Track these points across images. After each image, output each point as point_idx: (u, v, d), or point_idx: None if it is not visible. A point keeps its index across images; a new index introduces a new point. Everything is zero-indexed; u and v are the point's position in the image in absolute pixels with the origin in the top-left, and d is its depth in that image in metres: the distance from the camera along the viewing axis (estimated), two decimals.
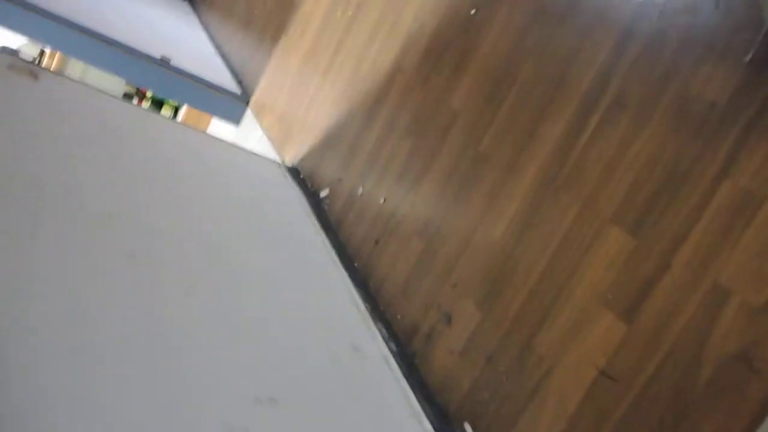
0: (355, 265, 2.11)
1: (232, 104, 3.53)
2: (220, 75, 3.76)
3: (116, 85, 5.15)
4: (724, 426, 1.05)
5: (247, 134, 3.46)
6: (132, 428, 1.09)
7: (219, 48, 4.27)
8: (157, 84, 3.49)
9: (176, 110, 5.54)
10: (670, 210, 1.23)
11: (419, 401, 1.57)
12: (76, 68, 5.18)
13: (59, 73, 3.94)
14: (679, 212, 1.21)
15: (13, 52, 2.35)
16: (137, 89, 5.67)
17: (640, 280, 1.24)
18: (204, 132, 2.85)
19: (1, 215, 1.40)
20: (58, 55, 5.21)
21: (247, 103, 3.53)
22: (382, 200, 2.10)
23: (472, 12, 1.97)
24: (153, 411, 1.14)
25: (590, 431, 1.24)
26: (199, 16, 4.99)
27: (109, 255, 1.50)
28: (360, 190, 2.24)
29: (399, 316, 1.84)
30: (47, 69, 3.29)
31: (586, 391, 1.27)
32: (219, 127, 4.00)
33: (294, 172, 2.70)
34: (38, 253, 1.36)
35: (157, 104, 5.65)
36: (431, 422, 1.52)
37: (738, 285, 1.08)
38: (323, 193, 2.46)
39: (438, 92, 2.01)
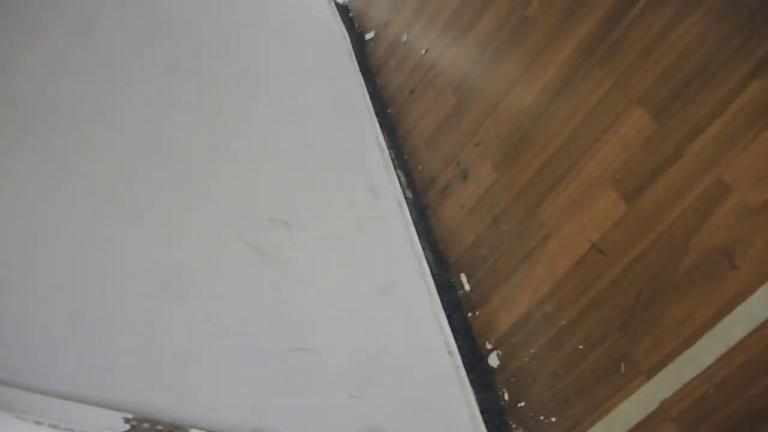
0: (388, 111, 2.15)
1: None
2: None
3: None
4: (691, 312, 1.11)
5: None
6: (156, 235, 1.20)
7: None
8: None
9: None
10: (696, 100, 1.22)
11: (423, 247, 1.67)
12: None
13: None
14: (704, 104, 1.20)
15: None
16: None
17: (650, 164, 1.26)
18: None
19: (59, 20, 1.45)
20: None
21: None
22: (424, 51, 2.09)
23: None
24: (175, 215, 1.25)
25: (573, 297, 1.32)
26: None
27: (151, 65, 1.56)
28: (404, 37, 2.22)
29: (420, 167, 1.90)
30: None
31: (576, 261, 1.34)
32: None
33: (343, 9, 2.67)
34: (85, 55, 1.43)
35: None
36: (430, 267, 1.63)
37: (740, 183, 1.10)
38: (369, 36, 2.45)
39: None
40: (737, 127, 1.14)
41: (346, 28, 2.51)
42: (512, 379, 1.39)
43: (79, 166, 1.20)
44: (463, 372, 1.42)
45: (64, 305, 1.01)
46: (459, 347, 1.47)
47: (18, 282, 1.00)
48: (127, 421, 0.96)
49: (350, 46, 2.41)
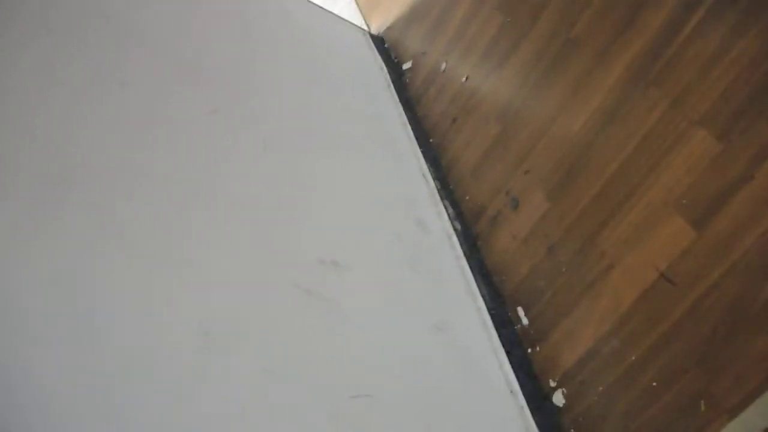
0: (431, 141, 2.11)
1: None
2: None
3: None
4: None
5: None
6: (206, 284, 1.18)
7: None
8: None
9: None
10: (764, 118, 1.15)
11: (476, 281, 1.61)
12: None
13: None
14: None
15: None
16: None
17: (719, 187, 1.20)
18: None
19: (89, 64, 1.45)
20: None
21: None
22: (464, 78, 2.05)
23: None
24: (223, 259, 1.22)
25: (642, 330, 1.25)
26: None
27: (194, 109, 1.55)
28: (443, 66, 2.19)
29: (467, 197, 1.85)
30: None
31: (642, 291, 1.27)
32: None
33: (379, 41, 2.65)
34: (129, 101, 1.42)
35: None
36: (485, 301, 1.57)
37: None
38: (406, 66, 2.42)
39: None
40: None
41: (383, 59, 2.49)
42: (581, 419, 1.31)
43: (125, 224, 1.18)
44: (527, 412, 1.36)
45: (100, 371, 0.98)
46: (521, 386, 1.40)
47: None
48: None
49: (388, 76, 2.39)
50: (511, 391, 1.40)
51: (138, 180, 1.26)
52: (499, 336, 1.50)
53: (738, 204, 1.15)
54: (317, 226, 1.48)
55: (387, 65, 2.46)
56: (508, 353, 1.47)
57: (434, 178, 1.92)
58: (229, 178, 1.42)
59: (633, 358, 1.25)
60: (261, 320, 1.17)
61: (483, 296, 1.58)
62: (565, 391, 1.37)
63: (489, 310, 1.55)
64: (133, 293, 1.07)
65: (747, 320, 1.09)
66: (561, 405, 1.36)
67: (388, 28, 2.66)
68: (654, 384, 1.20)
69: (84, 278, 1.04)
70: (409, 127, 2.13)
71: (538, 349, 1.46)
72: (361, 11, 2.99)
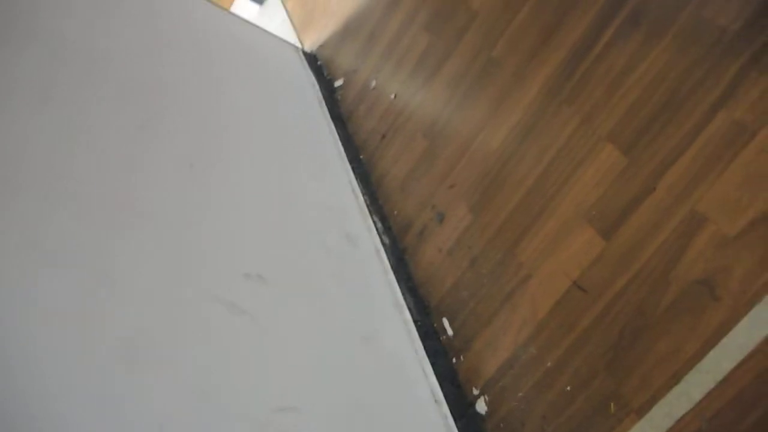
0: (360, 157, 2.14)
1: None
2: None
3: None
4: (678, 345, 1.10)
5: (271, 15, 3.41)
6: (129, 297, 1.17)
7: None
8: None
9: None
10: (665, 133, 1.23)
11: (403, 293, 1.65)
12: None
13: None
14: (673, 136, 1.21)
15: None
16: None
17: (624, 199, 1.26)
18: (223, 9, 2.81)
19: (12, 77, 1.43)
20: None
21: None
22: (393, 96, 2.10)
23: None
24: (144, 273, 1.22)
25: (556, 337, 1.30)
26: None
27: (122, 124, 1.54)
28: (373, 83, 2.23)
29: (395, 212, 1.88)
30: None
31: (557, 300, 1.32)
32: (244, 6, 3.93)
33: (312, 58, 2.68)
34: (52, 116, 1.40)
35: None
36: (412, 313, 1.60)
37: (714, 214, 1.11)
38: (338, 83, 2.46)
39: None
40: (707, 158, 1.15)
41: (316, 77, 2.52)
42: (502, 425, 1.35)
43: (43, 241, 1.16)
44: (451, 421, 1.39)
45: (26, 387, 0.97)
46: (445, 395, 1.43)
47: None
48: None
49: (320, 93, 2.41)
50: (436, 401, 1.43)
51: (61, 198, 1.24)
52: (425, 347, 1.53)
53: (641, 214, 1.22)
54: (243, 240, 1.48)
55: (319, 82, 2.49)
56: (433, 364, 1.50)
57: (364, 194, 1.95)
58: (155, 195, 1.41)
59: (549, 364, 1.30)
60: (184, 337, 1.17)
61: (409, 308, 1.61)
62: (487, 399, 1.40)
63: (415, 321, 1.58)
64: (52, 311, 1.06)
65: (651, 325, 1.15)
66: (483, 413, 1.40)
67: (321, 46, 2.70)
68: (568, 388, 1.25)
69: (2, 297, 1.02)
70: (339, 144, 2.16)
71: (462, 358, 1.50)
72: (295, 29, 3.02)
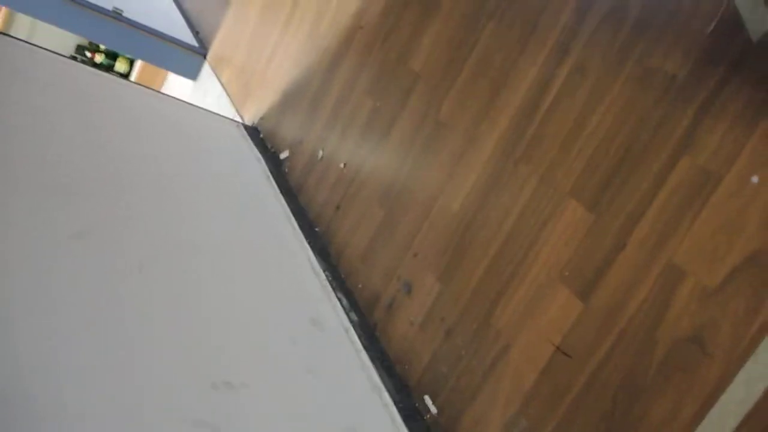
0: (316, 230, 2.08)
1: (189, 57, 3.40)
2: (175, 26, 3.61)
3: (68, 37, 4.94)
4: (675, 407, 1.05)
5: (206, 90, 3.35)
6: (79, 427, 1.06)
7: None
8: (109, 37, 3.34)
9: (132, 62, 5.34)
10: (629, 185, 1.20)
11: (379, 374, 1.56)
12: (25, 23, 4.94)
13: (4, 32, 3.76)
14: (637, 188, 1.19)
15: None
16: (90, 41, 5.44)
17: (596, 257, 1.22)
18: (157, 91, 2.74)
19: None
20: (3, 11, 4.96)
21: (205, 56, 3.40)
22: (342, 165, 2.05)
23: None
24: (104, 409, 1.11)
25: (547, 407, 1.24)
26: None
27: (58, 233, 1.44)
28: (320, 153, 2.18)
29: (360, 285, 1.81)
30: None
31: (542, 368, 1.27)
32: (177, 83, 3.87)
33: (254, 132, 2.62)
34: None
35: (112, 57, 5.43)
36: (391, 394, 1.52)
37: (692, 266, 1.07)
38: (283, 155, 2.40)
39: (398, 52, 1.94)
40: (675, 208, 1.12)
41: (260, 150, 2.46)
42: None
43: None
44: None
45: None
46: None
47: None
48: None
49: (266, 168, 2.35)
50: None
51: None
52: (410, 429, 1.45)
53: (616, 273, 1.18)
54: (204, 348, 1.38)
55: (264, 156, 2.43)
56: None
57: (324, 270, 1.88)
58: (100, 306, 1.31)
59: None
60: None
61: (388, 389, 1.53)
62: None
63: (396, 403, 1.50)
64: None
65: (644, 388, 1.10)
66: None
67: (262, 118, 2.64)
68: None
69: None
70: (293, 218, 2.09)
71: None
72: (233, 103, 2.96)
